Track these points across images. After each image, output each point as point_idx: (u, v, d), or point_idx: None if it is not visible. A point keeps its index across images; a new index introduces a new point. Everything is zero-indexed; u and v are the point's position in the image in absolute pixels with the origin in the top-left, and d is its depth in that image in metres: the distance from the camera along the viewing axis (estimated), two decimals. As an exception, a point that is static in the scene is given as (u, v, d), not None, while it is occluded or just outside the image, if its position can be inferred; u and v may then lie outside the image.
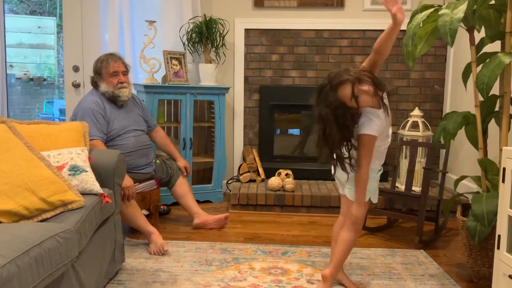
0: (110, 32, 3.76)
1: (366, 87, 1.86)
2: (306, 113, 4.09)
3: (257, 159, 3.84)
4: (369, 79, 1.88)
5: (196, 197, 3.20)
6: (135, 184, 2.73)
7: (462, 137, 2.83)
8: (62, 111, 7.23)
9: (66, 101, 3.90)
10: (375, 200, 2.13)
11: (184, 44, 3.77)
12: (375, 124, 1.94)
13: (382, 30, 1.89)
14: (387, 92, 1.98)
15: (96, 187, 2.02)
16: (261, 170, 3.79)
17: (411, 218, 2.99)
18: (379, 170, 2.11)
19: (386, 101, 1.99)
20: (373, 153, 1.99)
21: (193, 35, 3.71)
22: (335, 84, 1.87)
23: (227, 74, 4.03)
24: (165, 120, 3.81)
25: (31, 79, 7.61)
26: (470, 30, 2.36)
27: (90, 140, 2.40)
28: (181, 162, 3.15)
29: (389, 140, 2.09)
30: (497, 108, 2.43)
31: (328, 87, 1.88)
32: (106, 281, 2.15)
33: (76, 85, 3.84)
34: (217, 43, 3.74)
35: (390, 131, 2.09)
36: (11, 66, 7.29)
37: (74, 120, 2.72)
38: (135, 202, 2.68)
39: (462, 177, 2.59)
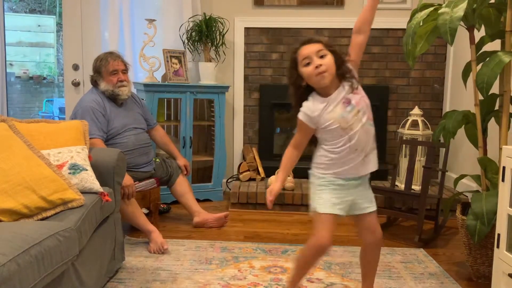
0: (110, 30, 3.75)
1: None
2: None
3: (257, 157, 3.84)
4: None
5: (196, 195, 3.20)
6: (135, 182, 2.73)
7: (461, 136, 2.83)
8: (62, 110, 7.22)
9: (66, 99, 3.90)
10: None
11: (184, 43, 3.76)
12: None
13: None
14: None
15: (96, 185, 2.02)
16: (261, 169, 3.79)
17: (410, 216, 2.99)
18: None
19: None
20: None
21: (193, 33, 3.70)
22: None
23: (227, 73, 4.03)
24: (165, 119, 3.81)
25: (31, 78, 7.59)
26: (470, 29, 2.36)
27: (90, 138, 2.40)
28: (181, 161, 3.15)
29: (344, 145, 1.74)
30: (497, 107, 2.43)
31: None
32: (106, 279, 2.15)
33: (76, 84, 3.84)
34: (217, 42, 3.74)
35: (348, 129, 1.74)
36: (11, 64, 7.28)
37: (74, 118, 2.72)
38: (135, 201, 2.68)
39: (462, 176, 2.59)
